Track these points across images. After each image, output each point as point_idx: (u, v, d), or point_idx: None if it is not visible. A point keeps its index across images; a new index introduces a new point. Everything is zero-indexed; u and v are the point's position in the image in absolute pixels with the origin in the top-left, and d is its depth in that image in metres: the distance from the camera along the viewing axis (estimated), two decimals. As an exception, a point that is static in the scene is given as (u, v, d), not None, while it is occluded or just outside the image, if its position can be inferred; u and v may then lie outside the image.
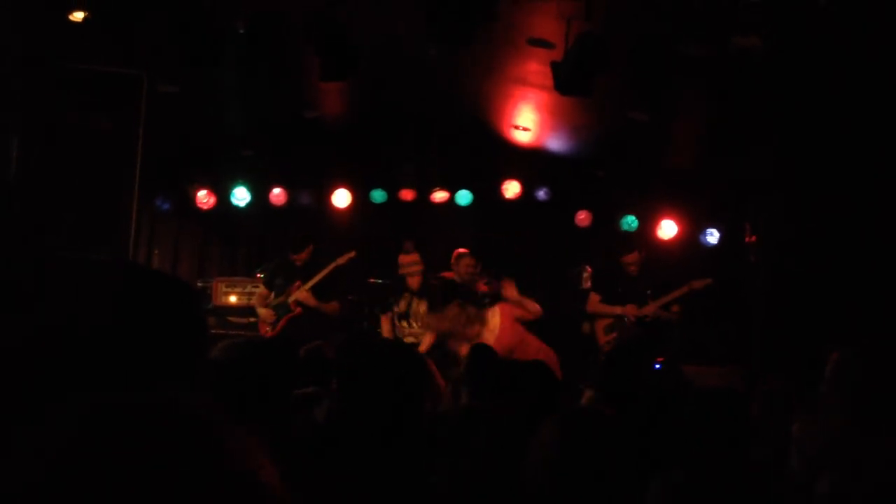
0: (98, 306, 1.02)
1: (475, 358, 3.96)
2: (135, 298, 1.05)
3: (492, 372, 3.72)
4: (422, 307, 6.70)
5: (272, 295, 6.90)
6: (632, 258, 6.92)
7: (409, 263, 6.70)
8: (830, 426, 2.79)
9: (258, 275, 8.17)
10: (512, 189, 8.78)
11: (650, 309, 6.80)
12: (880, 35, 4.64)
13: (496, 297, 6.29)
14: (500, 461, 2.07)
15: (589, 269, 7.26)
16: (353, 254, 6.97)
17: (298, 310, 6.78)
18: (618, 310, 6.87)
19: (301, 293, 6.72)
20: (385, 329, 6.72)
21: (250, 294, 7.90)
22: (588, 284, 7.26)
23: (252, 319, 7.71)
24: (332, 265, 6.85)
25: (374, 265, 7.90)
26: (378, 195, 8.87)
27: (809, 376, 3.32)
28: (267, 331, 6.82)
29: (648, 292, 6.85)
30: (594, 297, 7.01)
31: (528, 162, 8.58)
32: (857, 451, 2.48)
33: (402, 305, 6.73)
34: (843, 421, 2.78)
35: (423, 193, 8.89)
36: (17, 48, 5.33)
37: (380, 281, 8.07)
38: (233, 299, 7.94)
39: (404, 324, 6.72)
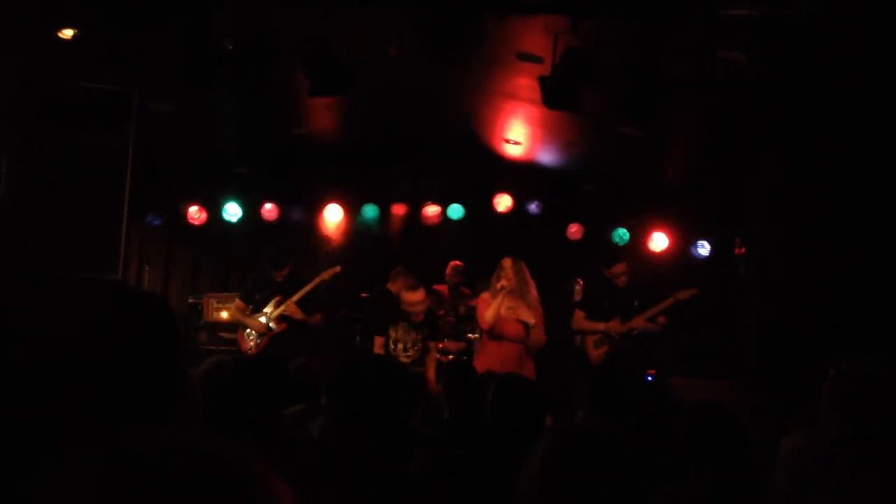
0: (79, 326, 1.03)
1: (453, 375, 3.96)
2: (113, 317, 1.06)
3: (470, 388, 3.72)
4: (421, 333, 6.63)
5: (249, 308, 6.84)
6: (620, 269, 6.84)
7: (415, 303, 6.52)
8: (824, 444, 2.78)
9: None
10: (503, 203, 8.81)
11: (638, 322, 6.73)
12: (866, 46, 4.68)
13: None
14: (483, 477, 2.07)
15: (580, 283, 7.25)
16: (338, 269, 6.93)
17: (283, 325, 6.72)
18: (601, 326, 6.76)
19: (289, 307, 6.67)
20: (377, 348, 6.68)
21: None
22: (579, 298, 7.25)
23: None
24: (317, 280, 6.79)
25: (366, 280, 7.90)
26: (370, 210, 8.88)
27: (800, 390, 3.32)
28: (250, 346, 6.73)
29: (636, 304, 6.80)
30: (579, 314, 6.92)
31: (520, 176, 8.61)
32: (851, 472, 2.48)
33: (400, 333, 6.65)
34: (837, 439, 2.77)
35: (415, 208, 8.91)
36: (6, 66, 5.34)
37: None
38: (224, 315, 7.92)
39: (400, 346, 6.64)
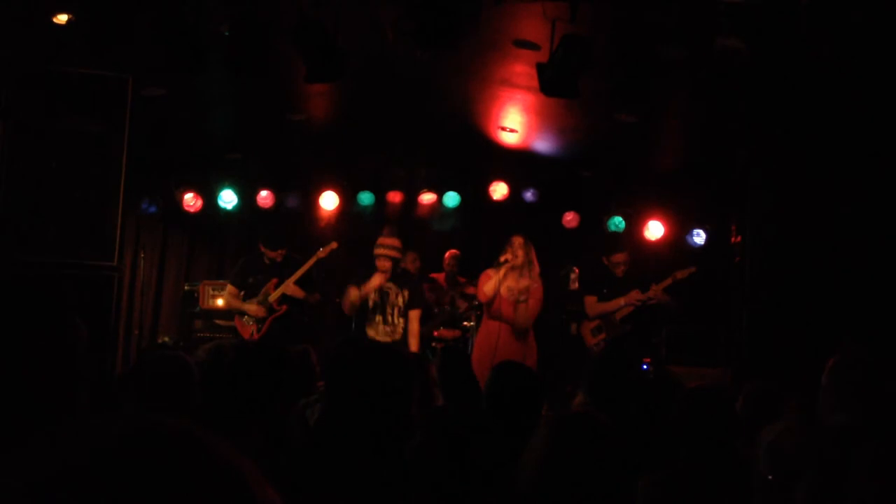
0: None
1: (447, 361, 3.96)
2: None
3: (464, 373, 3.73)
4: (400, 298, 6.51)
5: (242, 294, 6.73)
6: (620, 258, 6.84)
7: (386, 245, 6.39)
8: (821, 434, 2.78)
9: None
10: (499, 190, 8.79)
11: (658, 290, 6.62)
12: (863, 35, 4.67)
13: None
14: (480, 464, 2.07)
15: (576, 271, 7.25)
16: (334, 245, 6.82)
17: (284, 307, 6.67)
18: (621, 301, 6.71)
19: (289, 286, 6.61)
20: (351, 296, 6.38)
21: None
22: (576, 286, 7.24)
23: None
24: (314, 258, 6.73)
25: (361, 267, 7.88)
26: (366, 197, 8.86)
27: (794, 377, 3.33)
28: (252, 332, 6.68)
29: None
30: (590, 300, 6.88)
31: (516, 163, 8.59)
32: (840, 456, 2.48)
33: (378, 295, 6.42)
34: (836, 431, 2.77)
35: (411, 196, 8.89)
36: (0, 51, 5.30)
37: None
38: (220, 302, 7.90)
39: (378, 318, 6.41)
